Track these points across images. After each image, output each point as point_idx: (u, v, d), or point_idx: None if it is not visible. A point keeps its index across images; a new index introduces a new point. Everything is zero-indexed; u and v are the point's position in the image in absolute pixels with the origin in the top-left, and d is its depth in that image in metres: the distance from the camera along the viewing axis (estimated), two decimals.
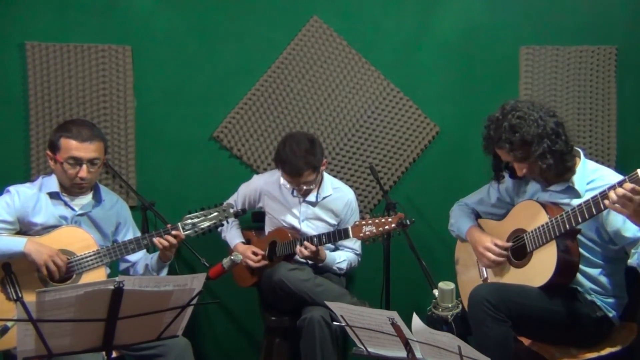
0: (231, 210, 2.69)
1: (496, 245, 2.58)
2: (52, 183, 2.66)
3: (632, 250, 2.31)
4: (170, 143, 3.51)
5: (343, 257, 3.18)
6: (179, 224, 2.65)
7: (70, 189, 2.66)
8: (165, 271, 2.80)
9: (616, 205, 2.11)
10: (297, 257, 3.07)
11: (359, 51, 3.58)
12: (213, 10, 3.47)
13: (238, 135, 3.54)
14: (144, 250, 2.81)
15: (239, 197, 3.30)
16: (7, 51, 3.34)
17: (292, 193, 3.17)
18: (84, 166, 2.58)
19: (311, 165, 2.98)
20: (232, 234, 3.27)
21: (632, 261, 2.31)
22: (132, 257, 2.80)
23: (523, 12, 3.61)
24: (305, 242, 2.96)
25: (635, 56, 3.67)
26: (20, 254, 2.45)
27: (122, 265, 2.82)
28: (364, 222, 2.82)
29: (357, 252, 3.25)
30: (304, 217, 3.18)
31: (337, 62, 3.57)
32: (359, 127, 3.61)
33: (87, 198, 2.72)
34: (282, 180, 3.18)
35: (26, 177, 3.32)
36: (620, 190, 2.09)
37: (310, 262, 3.07)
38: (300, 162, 2.95)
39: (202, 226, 2.67)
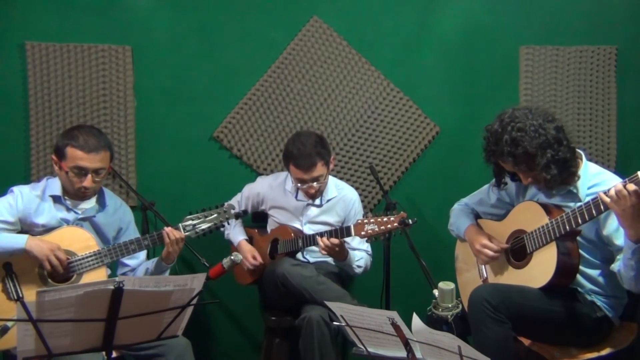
0: (232, 212, 2.70)
1: (492, 241, 2.59)
2: (55, 186, 2.66)
3: (617, 257, 2.31)
4: (170, 143, 3.51)
5: (359, 256, 3.16)
6: (180, 225, 2.66)
7: (74, 194, 2.66)
8: (166, 275, 2.79)
9: (611, 201, 2.12)
10: (299, 255, 3.09)
11: (359, 51, 3.58)
12: (213, 10, 3.47)
13: (238, 135, 3.54)
14: (144, 256, 2.81)
15: (242, 199, 3.30)
16: (7, 51, 3.33)
17: (296, 197, 3.17)
18: (89, 176, 2.58)
19: (322, 158, 2.99)
20: (236, 232, 3.27)
21: (614, 266, 2.33)
22: (132, 262, 2.80)
23: (523, 12, 3.61)
24: (331, 238, 2.88)
25: (635, 56, 3.67)
26: (21, 250, 2.46)
27: (121, 270, 2.80)
28: (366, 221, 2.80)
29: (369, 253, 3.22)
30: (307, 221, 3.18)
31: (337, 62, 3.57)
32: (359, 127, 3.61)
33: (91, 202, 2.71)
34: (286, 185, 3.19)
35: (26, 177, 3.32)
36: (618, 186, 2.10)
37: (330, 257, 3.01)
38: (312, 153, 2.96)
39: (203, 227, 2.68)
